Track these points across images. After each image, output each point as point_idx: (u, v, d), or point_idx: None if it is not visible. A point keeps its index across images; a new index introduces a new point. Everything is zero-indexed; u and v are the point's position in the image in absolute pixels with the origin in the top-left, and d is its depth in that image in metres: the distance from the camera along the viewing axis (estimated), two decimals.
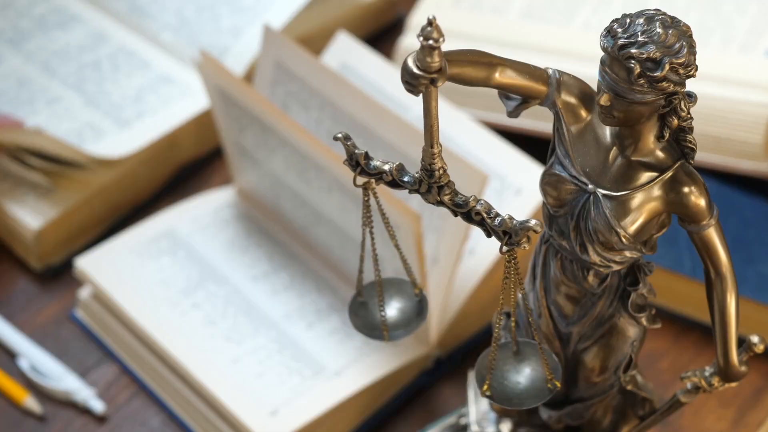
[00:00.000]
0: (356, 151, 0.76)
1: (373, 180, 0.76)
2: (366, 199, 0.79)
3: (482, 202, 0.74)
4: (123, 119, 1.19)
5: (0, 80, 1.22)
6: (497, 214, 0.74)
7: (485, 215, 0.74)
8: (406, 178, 0.75)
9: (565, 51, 1.15)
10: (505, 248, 0.74)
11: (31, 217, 1.12)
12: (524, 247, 0.73)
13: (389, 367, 1.03)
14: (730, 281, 0.78)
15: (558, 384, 0.78)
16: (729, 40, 1.14)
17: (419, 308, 0.84)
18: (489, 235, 0.74)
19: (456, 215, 0.75)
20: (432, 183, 0.74)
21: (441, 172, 0.74)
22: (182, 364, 1.02)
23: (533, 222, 0.72)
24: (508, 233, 0.73)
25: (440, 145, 0.73)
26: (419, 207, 0.97)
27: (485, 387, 0.79)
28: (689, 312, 1.08)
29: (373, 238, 0.81)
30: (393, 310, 0.84)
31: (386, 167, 0.75)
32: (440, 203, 0.75)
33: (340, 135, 0.75)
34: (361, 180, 0.77)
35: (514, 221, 0.73)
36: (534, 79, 0.75)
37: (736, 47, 1.14)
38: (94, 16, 1.28)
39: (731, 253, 0.77)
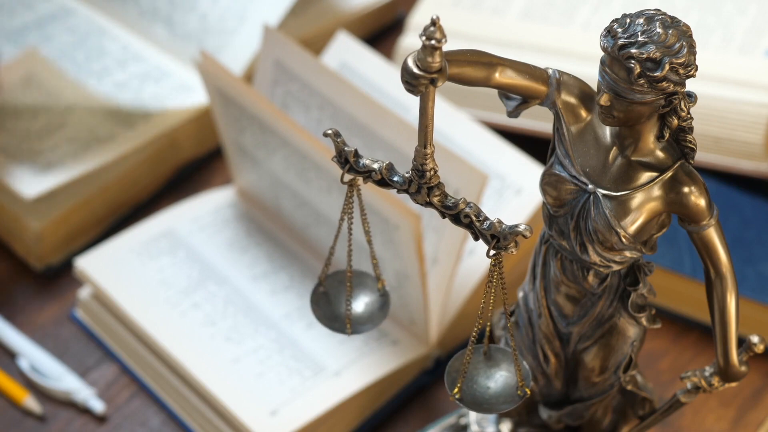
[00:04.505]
0: (345, 148, 0.75)
1: (359, 178, 0.76)
2: (350, 195, 0.78)
3: (472, 204, 0.74)
4: (127, 118, 1.19)
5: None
6: (486, 218, 0.73)
7: (474, 218, 0.73)
8: (395, 178, 0.75)
9: (565, 51, 1.15)
10: (492, 252, 0.73)
11: (31, 217, 1.12)
12: (512, 252, 0.73)
13: (389, 367, 1.03)
14: (730, 281, 0.78)
15: (528, 391, 0.78)
16: (729, 40, 1.14)
17: (382, 303, 0.84)
18: (477, 239, 0.74)
19: (444, 217, 0.75)
20: (422, 183, 0.74)
21: (432, 173, 0.73)
22: (182, 364, 1.02)
23: (522, 227, 0.72)
24: (496, 237, 0.73)
25: (433, 146, 0.73)
26: (419, 207, 0.97)
27: (456, 390, 0.78)
28: (689, 312, 1.08)
29: (350, 233, 0.81)
30: (358, 303, 0.84)
31: (375, 166, 0.75)
32: (429, 204, 0.74)
33: (329, 131, 0.75)
34: (348, 177, 0.76)
35: (503, 225, 0.72)
36: (534, 79, 0.75)
37: (736, 47, 1.14)
38: (90, 13, 1.28)
39: (731, 253, 0.78)
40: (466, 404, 0.78)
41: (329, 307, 0.84)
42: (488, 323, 0.79)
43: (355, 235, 0.82)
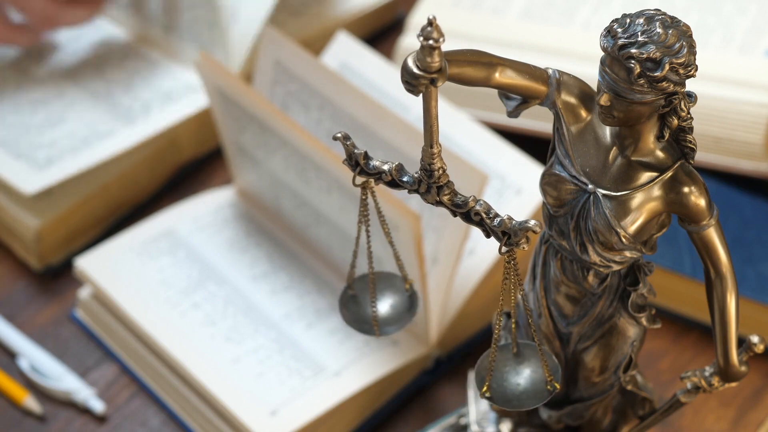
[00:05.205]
0: (356, 150, 0.76)
1: (371, 179, 0.77)
2: (364, 197, 0.79)
3: (481, 202, 0.74)
4: (128, 114, 1.19)
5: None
6: (496, 215, 0.74)
7: (484, 215, 0.74)
8: (405, 178, 0.75)
9: (565, 51, 1.15)
10: (504, 249, 0.74)
11: (31, 217, 1.12)
12: (523, 248, 0.73)
13: (389, 367, 1.03)
14: (730, 281, 0.78)
15: (557, 385, 0.78)
16: (729, 40, 1.14)
17: (410, 303, 0.84)
18: (488, 236, 0.74)
19: (455, 215, 0.75)
20: (431, 183, 0.74)
21: (440, 172, 0.74)
22: (182, 364, 1.02)
23: (532, 222, 0.72)
24: (507, 233, 0.73)
25: (440, 145, 0.73)
26: (419, 207, 0.97)
27: (485, 388, 0.79)
28: (689, 312, 1.08)
29: (369, 235, 0.81)
30: (384, 305, 0.84)
31: (385, 167, 0.76)
32: (439, 203, 0.75)
33: (339, 135, 0.75)
34: (360, 180, 0.77)
35: (513, 221, 0.73)
36: (534, 79, 0.75)
37: (736, 47, 1.14)
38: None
39: (731, 253, 0.78)
40: (496, 402, 0.79)
41: (358, 309, 0.84)
42: (513, 320, 0.79)
43: (357, 236, 0.82)
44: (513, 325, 0.80)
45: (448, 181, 0.74)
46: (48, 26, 1.21)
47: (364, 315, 0.84)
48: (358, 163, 0.76)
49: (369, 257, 0.82)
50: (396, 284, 0.85)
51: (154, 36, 1.26)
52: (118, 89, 1.21)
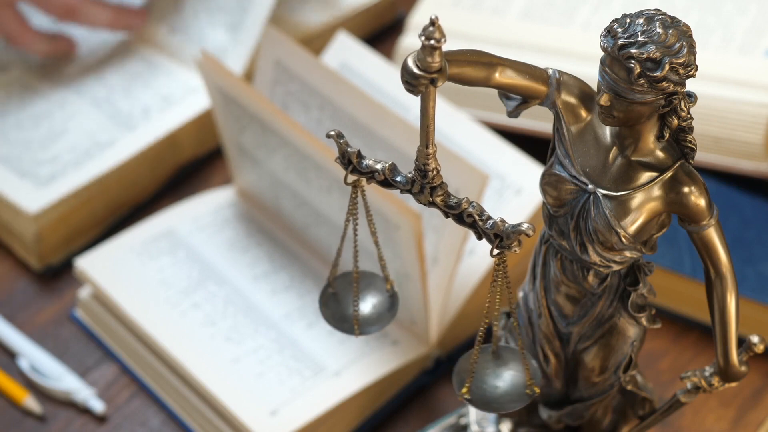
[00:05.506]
0: (348, 149, 0.75)
1: (363, 178, 0.76)
2: (354, 196, 0.78)
3: (474, 204, 0.74)
4: (128, 122, 1.19)
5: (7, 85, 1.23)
6: (489, 217, 0.73)
7: (477, 218, 0.73)
8: (398, 178, 0.75)
9: (565, 51, 1.15)
10: (495, 251, 0.73)
11: (31, 217, 1.12)
12: (515, 251, 0.73)
13: (389, 367, 1.03)
14: (730, 281, 0.78)
15: (537, 390, 0.78)
16: (729, 40, 1.14)
17: (390, 304, 0.84)
18: (480, 238, 0.74)
19: (447, 216, 0.75)
20: (425, 183, 0.74)
21: (434, 173, 0.73)
22: (182, 364, 1.02)
23: (525, 226, 0.72)
24: (499, 236, 0.73)
25: (435, 146, 0.73)
26: (419, 206, 0.97)
27: (464, 390, 0.78)
28: (689, 312, 1.08)
29: (356, 233, 0.81)
30: (366, 304, 0.84)
31: (378, 166, 0.75)
32: (432, 204, 0.75)
33: (332, 132, 0.75)
34: (351, 178, 0.76)
35: (506, 225, 0.72)
36: (534, 79, 0.75)
37: (736, 47, 1.14)
38: None
39: (731, 253, 0.78)
40: (474, 404, 0.78)
41: (338, 308, 0.84)
42: (495, 323, 0.79)
43: (342, 234, 0.82)
44: (495, 328, 0.79)
45: (442, 182, 0.74)
46: (69, 19, 1.20)
47: (345, 313, 0.84)
48: (350, 161, 0.76)
49: (354, 256, 0.82)
50: (376, 284, 0.85)
51: (156, 36, 1.26)
52: (118, 94, 1.21)
